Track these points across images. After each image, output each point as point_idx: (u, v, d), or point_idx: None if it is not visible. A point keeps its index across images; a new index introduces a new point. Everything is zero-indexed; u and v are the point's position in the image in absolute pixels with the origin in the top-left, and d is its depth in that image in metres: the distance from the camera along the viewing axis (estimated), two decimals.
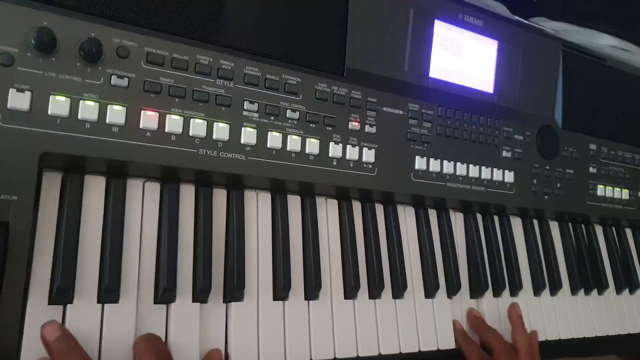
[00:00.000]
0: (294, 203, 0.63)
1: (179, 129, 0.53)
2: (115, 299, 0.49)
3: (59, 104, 0.47)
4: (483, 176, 0.74)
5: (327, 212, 0.65)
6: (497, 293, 0.76)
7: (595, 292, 0.88)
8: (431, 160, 0.70)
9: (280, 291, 0.58)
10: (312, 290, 0.60)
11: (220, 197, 0.58)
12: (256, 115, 0.57)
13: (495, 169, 0.76)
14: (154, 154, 0.52)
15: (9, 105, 0.45)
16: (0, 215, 0.44)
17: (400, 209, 0.71)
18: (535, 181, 0.80)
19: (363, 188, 0.65)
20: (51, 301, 0.47)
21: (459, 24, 0.73)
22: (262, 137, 0.58)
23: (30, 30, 0.46)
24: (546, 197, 0.81)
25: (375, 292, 0.64)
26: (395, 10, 0.68)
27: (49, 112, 0.47)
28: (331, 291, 0.62)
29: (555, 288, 0.82)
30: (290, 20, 0.60)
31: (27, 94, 0.46)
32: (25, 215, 0.46)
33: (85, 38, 0.48)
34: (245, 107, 0.57)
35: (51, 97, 0.47)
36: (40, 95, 0.47)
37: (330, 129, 0.62)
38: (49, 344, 0.44)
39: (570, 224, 0.89)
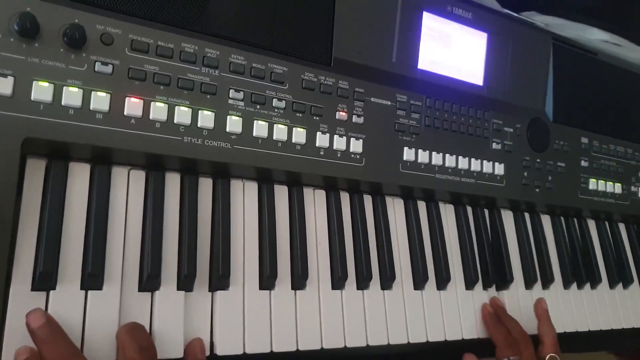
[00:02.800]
0: (281, 193, 0.62)
1: (163, 116, 0.53)
2: (98, 286, 0.49)
3: (42, 90, 0.47)
4: (473, 168, 0.74)
5: (315, 202, 0.65)
6: (487, 286, 0.75)
7: (587, 286, 0.87)
8: (420, 151, 0.70)
9: (267, 280, 0.57)
10: (299, 279, 0.59)
11: (206, 186, 0.58)
12: (242, 103, 0.57)
13: (485, 161, 0.76)
14: (138, 141, 0.52)
15: None
16: None
17: (388, 200, 0.70)
18: (525, 174, 0.80)
19: (351, 178, 0.65)
20: (34, 287, 0.46)
21: (447, 16, 0.74)
22: (247, 126, 0.57)
23: (13, 15, 0.46)
24: (537, 190, 0.81)
25: (363, 283, 0.64)
26: (383, 0, 0.68)
27: (32, 98, 0.47)
28: (318, 281, 0.61)
29: (547, 282, 0.82)
30: (277, 8, 0.61)
31: (10, 79, 0.46)
32: (7, 201, 0.45)
33: (68, 24, 0.48)
34: (230, 96, 0.57)
35: (34, 82, 0.47)
36: (23, 81, 0.47)
37: (317, 118, 0.62)
38: (33, 332, 0.44)
39: (562, 218, 0.89)
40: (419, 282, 0.69)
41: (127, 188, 0.54)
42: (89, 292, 0.49)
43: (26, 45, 0.47)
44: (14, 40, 0.46)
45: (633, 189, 0.94)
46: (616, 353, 0.94)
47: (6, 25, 0.46)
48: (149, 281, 0.51)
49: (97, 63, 0.50)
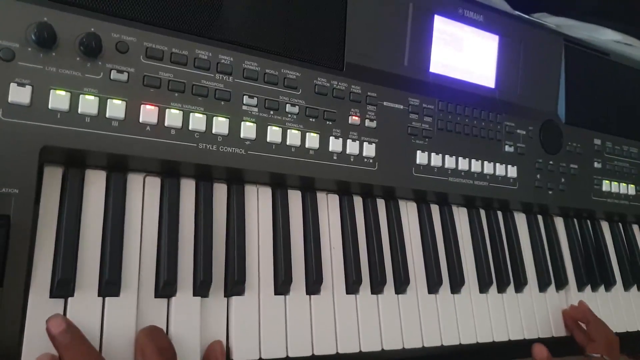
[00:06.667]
0: (295, 198, 0.63)
1: (178, 123, 0.53)
2: (116, 293, 0.49)
3: (59, 99, 0.48)
4: (485, 171, 0.74)
5: (328, 207, 0.65)
6: (501, 289, 0.75)
7: (602, 288, 0.87)
8: (432, 155, 0.69)
9: (282, 285, 0.57)
10: (314, 284, 0.59)
11: (220, 192, 0.58)
12: (255, 109, 0.58)
13: (497, 164, 0.76)
14: (153, 148, 0.52)
15: (10, 99, 0.46)
16: (1, 208, 0.45)
17: (402, 204, 0.70)
18: (538, 176, 0.80)
19: (364, 183, 0.65)
20: (52, 294, 0.47)
21: (458, 18, 0.73)
22: (261, 132, 0.58)
23: (30, 25, 0.47)
24: (550, 192, 0.81)
25: (377, 287, 0.64)
26: (395, 5, 0.68)
27: (50, 107, 0.47)
28: (333, 286, 0.61)
29: (561, 284, 0.81)
30: (290, 14, 0.61)
31: (28, 88, 0.47)
32: (26, 209, 0.46)
33: (84, 33, 0.49)
34: (244, 102, 0.57)
35: (51, 91, 0.48)
36: (40, 90, 0.47)
37: (330, 123, 0.62)
38: (54, 337, 0.44)
39: (575, 220, 0.88)
40: (433, 285, 0.68)
41: (143, 195, 0.54)
42: (107, 298, 0.49)
43: (43, 54, 0.47)
44: (32, 50, 0.47)
45: None
46: (631, 356, 0.93)
47: (24, 35, 0.47)
48: (166, 287, 0.51)
49: (112, 71, 0.51)
